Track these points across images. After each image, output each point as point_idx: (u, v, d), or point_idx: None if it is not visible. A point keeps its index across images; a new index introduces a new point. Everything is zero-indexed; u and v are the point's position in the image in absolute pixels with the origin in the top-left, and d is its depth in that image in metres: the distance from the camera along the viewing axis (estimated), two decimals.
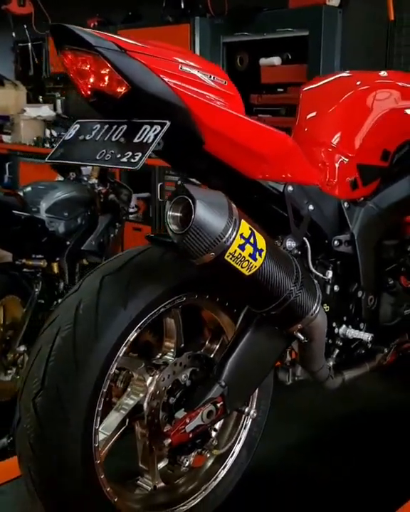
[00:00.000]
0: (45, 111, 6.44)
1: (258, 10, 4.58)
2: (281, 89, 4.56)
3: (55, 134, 6.30)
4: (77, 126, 1.55)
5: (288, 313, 1.56)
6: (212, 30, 4.89)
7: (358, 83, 2.02)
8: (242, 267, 1.42)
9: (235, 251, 1.38)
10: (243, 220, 1.40)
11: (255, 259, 1.43)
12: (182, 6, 5.06)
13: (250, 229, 1.42)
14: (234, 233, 1.37)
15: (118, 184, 4.09)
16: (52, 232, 3.52)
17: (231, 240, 1.37)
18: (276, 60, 4.62)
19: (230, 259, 1.39)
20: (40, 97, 6.78)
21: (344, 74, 2.07)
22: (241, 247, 1.39)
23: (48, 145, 6.21)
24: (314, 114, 1.99)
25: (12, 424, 3.14)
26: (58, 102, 6.69)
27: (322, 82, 2.07)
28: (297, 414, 2.43)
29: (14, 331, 3.31)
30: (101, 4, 5.86)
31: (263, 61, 4.66)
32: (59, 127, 6.40)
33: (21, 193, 3.54)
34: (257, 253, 1.43)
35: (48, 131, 6.34)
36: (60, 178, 4.10)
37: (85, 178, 4.02)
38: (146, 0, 5.45)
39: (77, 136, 1.53)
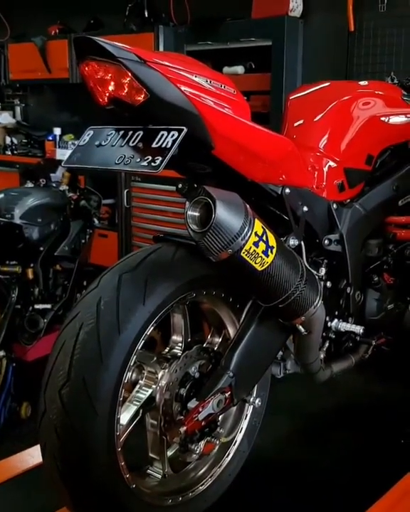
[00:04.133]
0: (5, 118, 6.46)
1: (221, 20, 4.67)
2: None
3: (15, 141, 6.32)
4: (91, 132, 1.63)
5: (293, 307, 1.67)
6: (176, 39, 4.97)
7: (342, 92, 2.15)
8: (255, 263, 1.52)
9: (250, 248, 1.49)
10: (256, 219, 1.51)
11: (267, 256, 1.53)
12: (146, 14, 5.13)
13: (263, 227, 1.53)
14: (250, 231, 1.48)
15: (88, 190, 4.16)
16: (26, 238, 3.57)
17: (247, 237, 1.48)
18: (239, 69, 4.72)
19: (246, 255, 1.50)
20: None
21: (329, 83, 2.19)
22: (256, 244, 1.50)
23: (8, 152, 6.23)
24: (302, 121, 2.11)
25: None
26: (18, 109, 6.70)
27: (308, 91, 2.19)
28: (284, 407, 2.54)
29: None
30: (62, 11, 5.89)
31: (226, 70, 4.74)
32: (19, 134, 6.43)
33: None
34: (269, 250, 1.54)
35: (8, 139, 6.34)
36: (30, 185, 4.15)
37: (55, 185, 4.08)
38: (108, 8, 5.49)
39: (92, 141, 1.61)
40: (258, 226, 1.51)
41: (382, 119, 2.13)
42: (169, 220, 4.71)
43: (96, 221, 4.12)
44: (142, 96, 1.49)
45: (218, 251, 1.47)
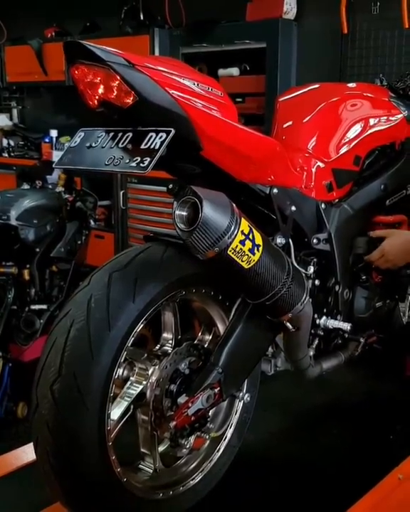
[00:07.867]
0: (2, 120, 6.49)
1: (216, 22, 4.71)
2: (240, 100, 4.65)
3: (12, 143, 6.35)
4: (82, 134, 1.67)
5: (280, 304, 1.71)
6: (171, 42, 4.99)
7: (330, 94, 2.19)
8: (242, 261, 1.56)
9: (237, 246, 1.53)
10: (242, 218, 1.55)
11: (253, 254, 1.57)
12: (141, 17, 5.16)
13: (249, 226, 1.57)
14: (236, 230, 1.52)
15: (84, 192, 4.19)
16: (22, 240, 3.61)
17: (233, 236, 1.51)
18: (234, 71, 4.76)
19: (232, 253, 1.53)
20: None
21: (317, 85, 2.23)
22: (242, 242, 1.53)
23: (5, 154, 6.26)
24: (291, 122, 2.15)
25: None
26: (14, 111, 6.73)
27: (297, 93, 2.23)
28: (275, 403, 2.58)
29: None
30: (58, 14, 5.92)
31: (221, 72, 4.79)
32: (16, 136, 6.46)
33: None
34: (255, 248, 1.57)
35: (5, 141, 6.37)
36: (26, 186, 4.18)
37: (51, 186, 4.11)
38: (103, 11, 5.52)
39: (83, 143, 1.65)
40: (245, 225, 1.55)
41: (369, 120, 2.17)
42: (165, 221, 4.74)
43: (92, 222, 4.15)
44: (131, 99, 1.52)
45: (205, 249, 1.50)
